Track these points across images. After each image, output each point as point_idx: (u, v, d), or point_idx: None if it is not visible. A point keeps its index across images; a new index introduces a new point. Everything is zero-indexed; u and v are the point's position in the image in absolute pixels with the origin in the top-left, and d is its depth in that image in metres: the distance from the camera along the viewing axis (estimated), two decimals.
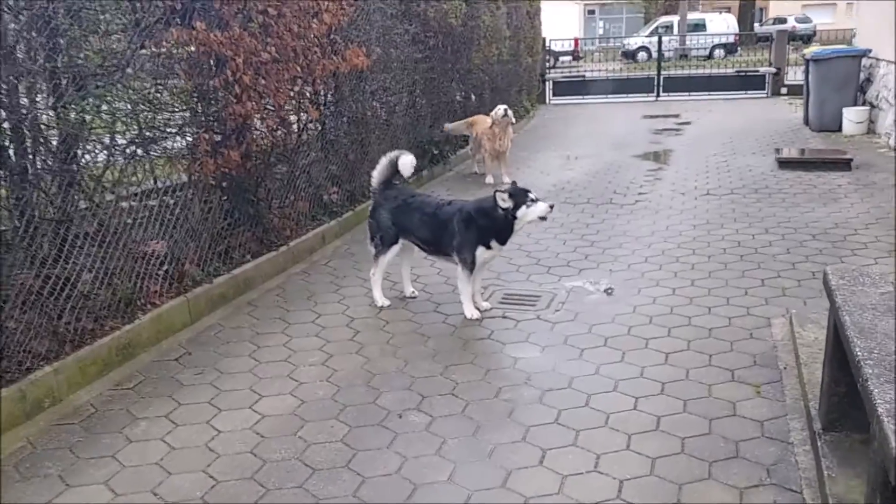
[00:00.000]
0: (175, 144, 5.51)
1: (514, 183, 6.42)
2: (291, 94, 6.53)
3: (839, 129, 12.30)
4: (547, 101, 19.17)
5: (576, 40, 34.46)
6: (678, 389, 4.30)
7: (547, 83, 19.28)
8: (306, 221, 7.21)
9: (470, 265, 5.38)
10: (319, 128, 7.54)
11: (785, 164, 9.81)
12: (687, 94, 18.58)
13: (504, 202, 5.23)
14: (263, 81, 5.82)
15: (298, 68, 6.28)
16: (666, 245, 6.98)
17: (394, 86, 8.94)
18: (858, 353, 2.95)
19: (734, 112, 15.78)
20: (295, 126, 7.19)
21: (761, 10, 51.87)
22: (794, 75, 18.58)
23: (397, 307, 5.74)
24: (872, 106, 12.29)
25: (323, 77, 6.91)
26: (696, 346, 4.85)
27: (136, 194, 5.37)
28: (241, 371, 4.76)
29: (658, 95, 18.79)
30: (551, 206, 5.36)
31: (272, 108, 6.25)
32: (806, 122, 13.28)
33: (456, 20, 10.31)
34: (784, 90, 17.83)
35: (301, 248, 6.89)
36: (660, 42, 20.27)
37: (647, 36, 36.36)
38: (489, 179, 9.94)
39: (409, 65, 9.31)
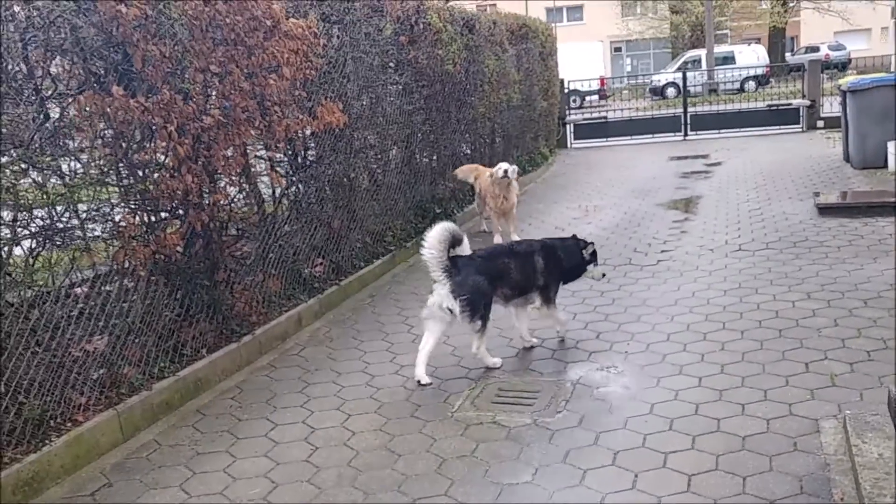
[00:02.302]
0: (98, 228, 4.71)
1: (573, 235, 6.21)
2: (245, 161, 5.72)
3: (884, 166, 11.23)
4: (568, 145, 18.31)
5: (602, 79, 33.72)
6: None
7: (567, 126, 18.43)
8: (279, 302, 6.37)
9: (555, 298, 5.69)
10: (292, 195, 6.73)
11: (825, 210, 8.79)
12: (716, 131, 17.60)
13: (588, 255, 5.87)
14: (207, 151, 5.02)
15: (253, 131, 5.48)
16: (692, 318, 6.01)
17: (381, 142, 8.14)
18: None
19: (767, 150, 14.75)
20: (264, 195, 6.42)
21: (792, 39, 50.83)
22: (831, 107, 17.53)
23: (364, 412, 4.83)
24: None
25: (289, 139, 6.11)
26: (725, 465, 3.87)
27: (62, 287, 4.59)
28: None
29: (686, 134, 17.82)
30: (604, 275, 6.20)
31: (225, 179, 5.46)
32: (846, 158, 12.22)
33: (454, 66, 9.52)
34: (820, 123, 16.76)
35: (270, 335, 6.04)
36: (684, 77, 19.37)
37: (674, 71, 35.48)
38: (497, 239, 9.05)
39: (401, 118, 8.51)
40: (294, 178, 6.86)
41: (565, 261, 5.74)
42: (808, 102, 17.01)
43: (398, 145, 8.63)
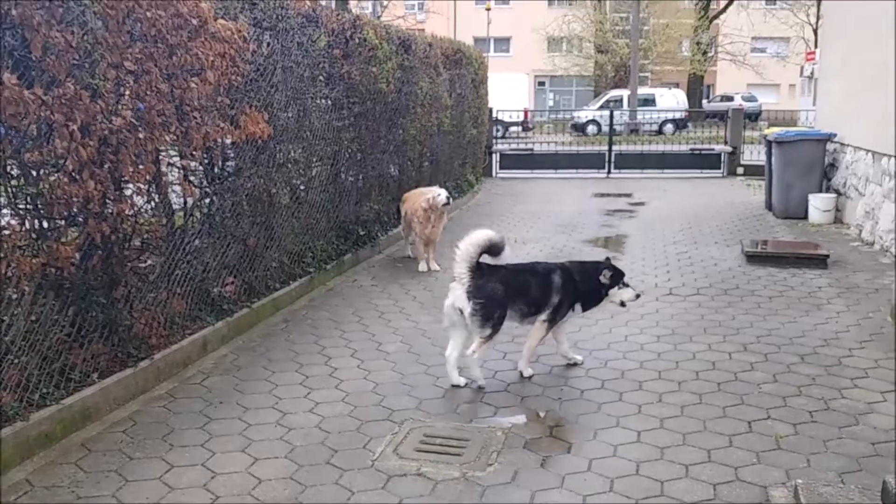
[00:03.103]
0: None
1: (607, 258, 6.03)
2: (156, 169, 5.17)
3: (805, 217, 11.37)
4: (493, 174, 18.12)
5: (525, 111, 33.89)
6: None
7: (494, 155, 18.26)
8: (183, 324, 5.79)
9: (554, 323, 5.47)
10: (206, 208, 6.17)
11: (754, 258, 8.73)
12: (640, 171, 17.71)
13: (605, 279, 5.58)
14: (114, 155, 4.45)
15: (169, 137, 4.94)
16: (626, 364, 5.72)
17: (307, 158, 7.65)
18: None
19: (690, 193, 14.86)
20: (175, 206, 5.86)
21: (709, 87, 52.55)
22: (750, 154, 17.92)
23: (273, 455, 4.32)
24: (839, 193, 11.42)
25: (207, 148, 5.59)
26: None
27: None
28: None
29: (609, 172, 17.88)
30: (637, 295, 5.80)
31: (133, 188, 4.89)
32: (769, 206, 12.36)
33: (387, 85, 9.12)
34: (740, 170, 17.07)
35: (171, 360, 5.45)
36: (611, 117, 19.51)
37: (596, 109, 36.01)
38: (422, 267, 8.65)
39: (329, 134, 8.05)
40: (209, 190, 6.30)
41: (580, 283, 5.55)
42: (729, 149, 17.31)
43: (324, 162, 8.15)
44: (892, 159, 9.07)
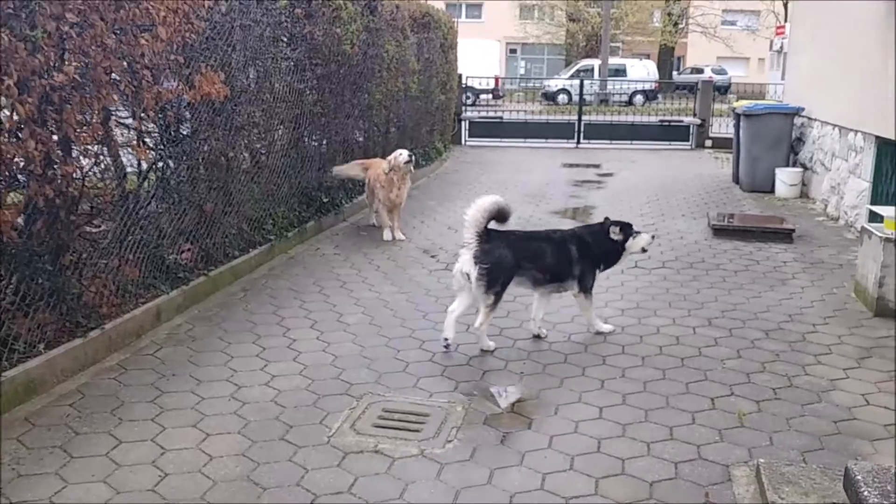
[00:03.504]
0: None
1: (606, 218, 6.03)
2: (104, 130, 4.93)
3: (771, 191, 11.38)
4: (462, 141, 17.92)
5: (496, 78, 33.59)
6: None
7: (463, 123, 18.05)
8: (136, 292, 5.60)
9: (591, 288, 5.66)
10: (160, 172, 5.95)
11: (720, 231, 8.69)
12: (608, 141, 17.63)
13: (615, 235, 5.67)
14: (57, 114, 4.22)
15: (117, 97, 4.71)
16: (589, 338, 5.65)
17: (267, 121, 7.41)
18: None
19: (658, 165, 14.81)
20: (129, 169, 5.63)
21: (679, 59, 52.57)
22: (718, 127, 17.90)
23: (226, 431, 4.18)
24: (805, 167, 11.43)
25: (160, 108, 5.36)
26: None
27: None
28: None
29: (578, 142, 17.78)
30: (653, 237, 6.07)
31: (79, 148, 4.66)
32: (735, 180, 12.35)
33: (352, 47, 8.87)
34: (709, 142, 17.06)
35: (123, 330, 5.26)
36: (581, 86, 19.38)
37: (567, 78, 35.82)
38: (387, 235, 8.48)
39: (290, 96, 7.80)
40: (164, 153, 6.06)
41: (595, 247, 5.65)
42: (698, 121, 17.28)
43: (285, 125, 7.92)
44: (859, 134, 9.06)
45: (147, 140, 5.90)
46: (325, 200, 8.90)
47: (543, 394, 4.72)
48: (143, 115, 5.21)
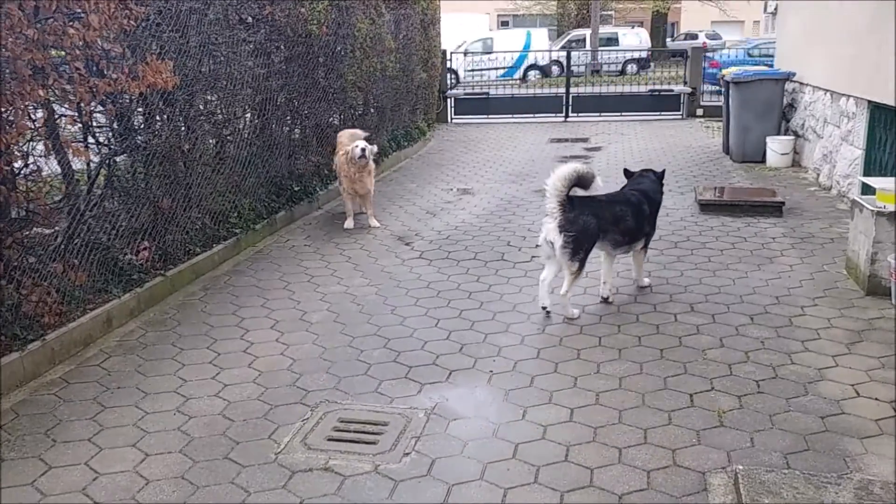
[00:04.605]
0: None
1: (643, 170, 6.41)
2: (32, 127, 4.60)
3: (762, 160, 11.02)
4: (449, 119, 17.52)
5: None
6: None
7: (448, 100, 17.63)
8: (85, 298, 5.29)
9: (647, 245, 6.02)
10: (110, 168, 5.63)
11: (707, 206, 8.36)
12: (598, 114, 17.19)
13: (656, 181, 6.14)
14: None
15: (43, 91, 4.37)
16: (565, 329, 5.34)
17: (228, 109, 7.06)
18: None
19: (648, 137, 14.42)
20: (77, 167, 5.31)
21: (673, 25, 51.80)
22: (710, 96, 17.46)
23: (167, 450, 3.88)
24: (797, 135, 11.05)
25: (101, 102, 5.02)
26: None
27: None
28: None
29: (567, 116, 17.36)
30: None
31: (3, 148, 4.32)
32: (726, 150, 11.98)
33: (319, 28, 8.48)
34: (700, 111, 16.64)
35: (68, 340, 4.96)
36: (568, 57, 18.87)
37: (559, 49, 35.23)
38: (348, 224, 8.14)
39: (253, 82, 7.44)
40: (113, 148, 5.73)
41: (657, 201, 6.00)
42: (689, 90, 16.85)
43: (249, 113, 7.57)
44: (851, 99, 8.69)
45: (96, 136, 5.59)
46: (296, 189, 8.56)
47: (512, 395, 4.43)
48: (79, 109, 4.86)
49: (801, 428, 3.94)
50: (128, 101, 5.69)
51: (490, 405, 4.31)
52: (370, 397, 4.44)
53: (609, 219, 5.54)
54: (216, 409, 4.30)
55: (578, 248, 5.34)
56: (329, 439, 3.99)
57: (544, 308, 5.51)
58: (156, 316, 5.68)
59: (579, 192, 5.47)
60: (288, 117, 8.52)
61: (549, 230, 5.35)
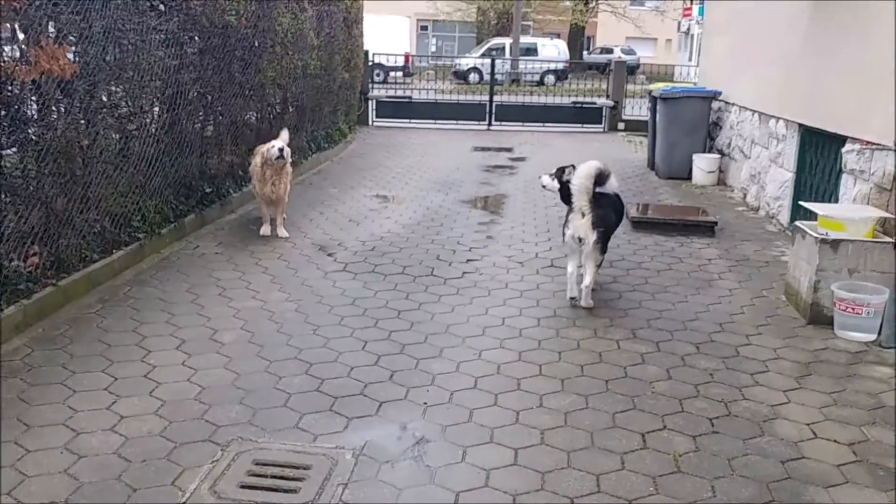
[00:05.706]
0: None
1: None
2: None
3: (688, 177, 10.98)
4: (370, 122, 17.01)
5: (407, 55, 32.62)
6: None
7: (370, 102, 17.12)
8: None
9: None
10: None
11: (639, 224, 8.15)
12: (520, 123, 17.01)
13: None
14: None
15: None
16: (503, 355, 4.95)
17: (133, 102, 6.42)
18: None
19: (571, 149, 14.25)
20: None
21: (589, 38, 52.63)
22: (631, 110, 17.53)
23: (48, 499, 3.31)
24: (722, 154, 11.05)
25: None
26: None
27: None
28: None
29: (490, 124, 17.12)
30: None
31: None
32: (651, 165, 11.92)
33: (238, 19, 7.88)
34: (622, 125, 16.66)
35: None
36: (493, 66, 18.69)
37: (478, 57, 35.12)
38: (264, 231, 7.58)
39: (163, 74, 6.80)
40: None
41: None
42: (611, 103, 16.85)
43: (158, 107, 6.93)
44: (781, 122, 8.65)
45: None
46: (208, 191, 7.94)
47: (450, 431, 4.00)
48: None
49: (763, 475, 3.65)
50: (18, 88, 5.01)
51: (426, 444, 3.87)
52: (290, 433, 3.94)
53: (619, 214, 6.05)
54: (111, 447, 3.72)
55: (606, 241, 5.74)
56: (242, 486, 3.47)
57: (573, 299, 5.77)
58: (45, 332, 5.01)
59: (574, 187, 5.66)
60: (200, 113, 7.88)
61: (579, 227, 5.54)
